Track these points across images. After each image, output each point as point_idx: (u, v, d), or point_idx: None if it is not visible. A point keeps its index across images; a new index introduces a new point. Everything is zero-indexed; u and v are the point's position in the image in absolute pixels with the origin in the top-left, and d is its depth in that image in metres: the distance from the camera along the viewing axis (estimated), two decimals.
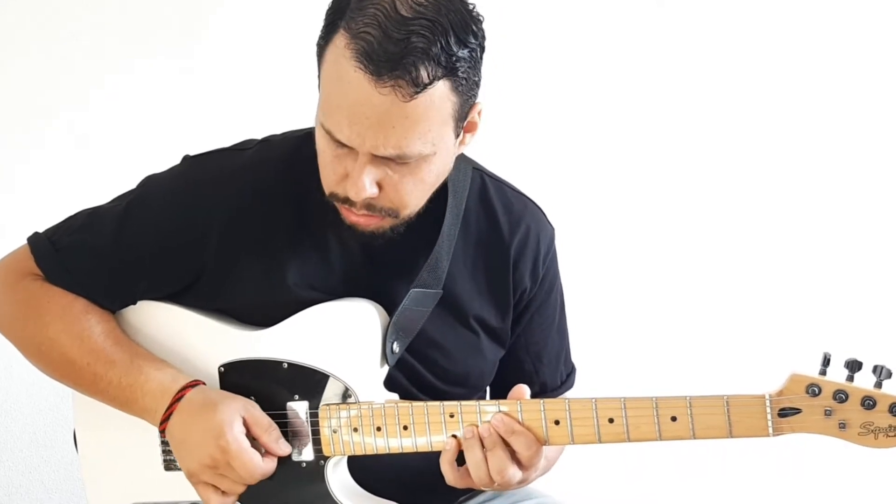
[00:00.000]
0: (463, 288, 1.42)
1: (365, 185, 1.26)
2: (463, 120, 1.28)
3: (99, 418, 1.44)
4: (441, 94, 1.22)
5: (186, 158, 1.45)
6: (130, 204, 1.43)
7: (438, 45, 1.20)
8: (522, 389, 1.34)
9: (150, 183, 1.45)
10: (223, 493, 1.35)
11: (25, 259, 1.44)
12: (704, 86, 2.28)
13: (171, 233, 1.39)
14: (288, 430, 1.37)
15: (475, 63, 1.25)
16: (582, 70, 2.27)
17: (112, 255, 1.41)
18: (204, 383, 1.38)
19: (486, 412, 1.33)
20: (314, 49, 1.28)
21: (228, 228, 1.38)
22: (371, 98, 1.21)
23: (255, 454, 1.33)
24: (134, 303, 1.45)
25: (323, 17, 1.27)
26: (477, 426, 1.31)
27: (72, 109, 2.16)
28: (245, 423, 1.34)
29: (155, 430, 1.41)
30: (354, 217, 1.31)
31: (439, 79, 1.21)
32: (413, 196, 1.30)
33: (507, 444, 1.31)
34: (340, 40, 1.22)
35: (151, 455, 1.42)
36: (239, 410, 1.34)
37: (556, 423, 1.31)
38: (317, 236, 1.39)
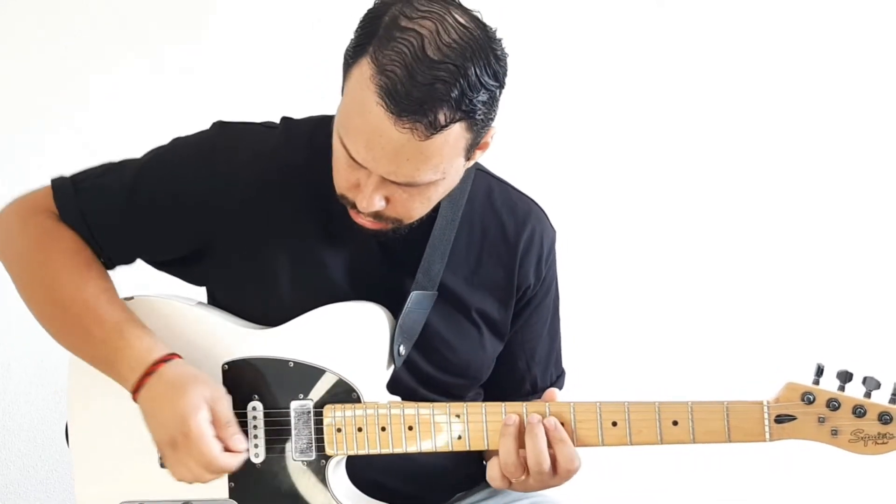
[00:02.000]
0: (465, 284, 1.45)
1: (374, 201, 1.30)
2: (475, 146, 1.32)
3: (93, 413, 1.44)
4: (456, 133, 1.26)
5: (216, 124, 1.46)
6: (154, 158, 1.45)
7: (458, 91, 1.23)
8: (554, 393, 1.38)
9: (178, 143, 1.47)
10: (181, 479, 1.35)
11: (45, 197, 1.46)
12: (704, 86, 2.28)
13: (188, 192, 1.41)
14: (290, 429, 1.39)
15: (493, 103, 1.28)
16: (582, 70, 2.27)
17: (126, 202, 1.43)
18: (180, 357, 1.38)
19: (492, 413, 1.36)
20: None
21: (244, 208, 1.40)
22: (389, 132, 1.24)
23: (216, 444, 1.33)
24: (132, 260, 1.46)
25: (355, 28, 1.29)
26: (521, 416, 1.34)
27: (72, 109, 2.17)
28: (210, 410, 1.34)
29: None
30: (360, 220, 1.35)
31: (456, 122, 1.25)
32: (418, 211, 1.35)
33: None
34: (366, 69, 1.25)
35: (147, 451, 1.41)
36: (206, 398, 1.34)
37: (561, 425, 1.33)
38: (333, 228, 1.42)
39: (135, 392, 1.36)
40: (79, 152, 2.15)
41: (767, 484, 2.32)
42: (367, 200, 1.30)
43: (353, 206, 1.33)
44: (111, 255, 1.46)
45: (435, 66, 1.22)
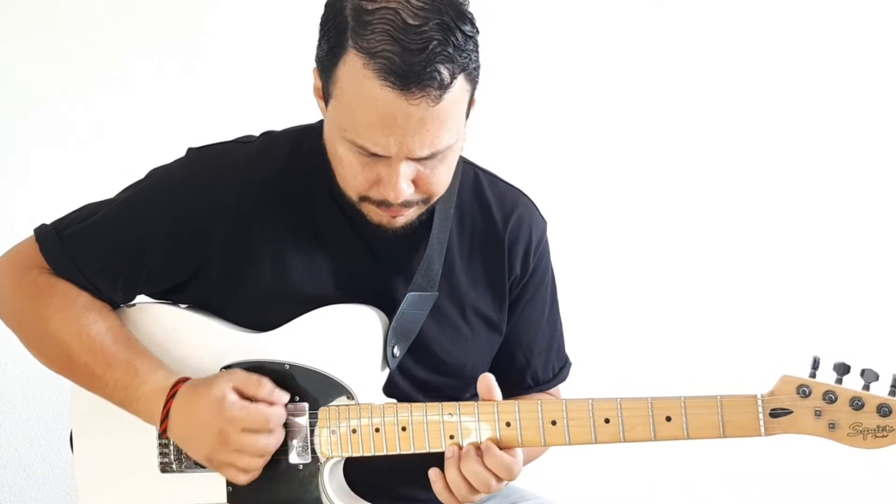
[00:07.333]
0: (460, 281, 1.45)
1: (403, 187, 1.30)
2: (471, 100, 1.33)
3: (97, 423, 1.44)
4: (460, 87, 1.27)
5: (191, 151, 1.46)
6: (136, 194, 1.45)
7: (452, 45, 1.24)
8: (491, 385, 1.36)
9: (156, 174, 1.46)
10: (245, 470, 1.36)
11: (31, 251, 1.45)
12: (703, 85, 2.29)
13: (175, 222, 1.41)
14: (287, 432, 1.38)
15: (476, 47, 1.30)
16: (581, 69, 2.28)
17: (115, 245, 1.42)
18: (189, 378, 1.39)
19: (484, 413, 1.35)
20: (313, 46, 1.30)
21: (234, 222, 1.40)
22: (403, 110, 1.24)
23: (262, 405, 1.35)
24: (133, 297, 1.46)
25: (318, 33, 1.29)
26: (460, 447, 1.34)
27: (72, 109, 2.17)
28: (236, 391, 1.36)
29: (151, 433, 1.42)
30: (387, 216, 1.34)
31: (458, 75, 1.26)
32: (443, 183, 1.35)
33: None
34: (356, 61, 1.25)
35: (147, 457, 1.43)
36: (226, 382, 1.36)
37: (553, 423, 1.33)
38: (320, 232, 1.41)
39: (163, 422, 1.37)
40: (79, 151, 2.18)
41: (765, 482, 2.31)
42: (397, 190, 1.30)
43: (381, 203, 1.32)
44: (112, 296, 1.45)
45: (420, 31, 1.23)
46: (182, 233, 1.40)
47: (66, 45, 2.15)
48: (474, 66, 1.29)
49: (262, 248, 1.40)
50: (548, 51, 2.27)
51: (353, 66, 1.25)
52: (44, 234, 1.45)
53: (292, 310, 1.40)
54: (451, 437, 1.35)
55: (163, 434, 1.39)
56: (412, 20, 1.23)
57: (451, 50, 1.24)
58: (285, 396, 1.37)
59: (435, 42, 1.23)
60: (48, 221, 1.47)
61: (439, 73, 1.23)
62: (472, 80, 1.30)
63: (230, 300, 1.43)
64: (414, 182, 1.31)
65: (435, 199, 1.36)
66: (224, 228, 1.40)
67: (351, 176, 1.33)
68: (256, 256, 1.40)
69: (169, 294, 1.46)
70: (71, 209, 1.48)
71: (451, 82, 1.25)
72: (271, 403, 1.35)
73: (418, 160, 1.29)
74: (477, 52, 1.29)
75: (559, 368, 1.56)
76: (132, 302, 1.47)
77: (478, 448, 1.33)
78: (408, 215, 1.35)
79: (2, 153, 2.15)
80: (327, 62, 1.28)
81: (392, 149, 1.27)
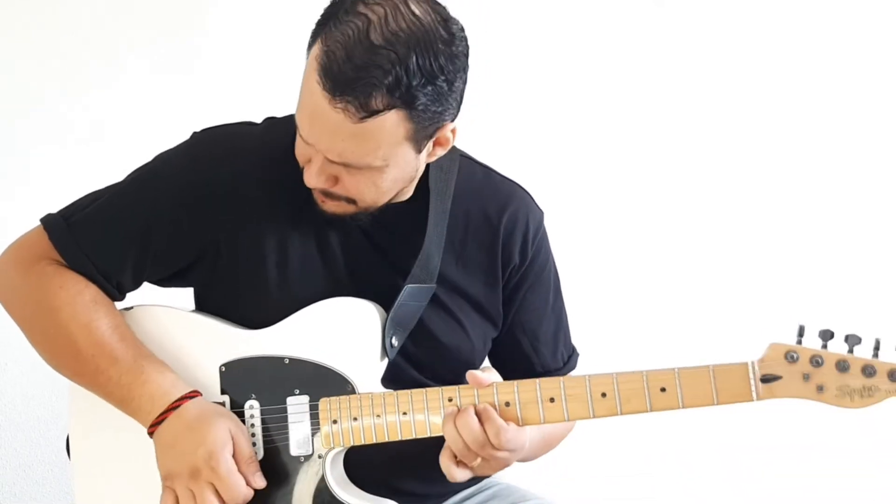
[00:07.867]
0: (452, 269, 1.47)
1: (317, 178, 1.34)
2: (427, 139, 1.34)
3: (95, 423, 1.45)
4: (393, 121, 1.28)
5: (195, 133, 1.47)
6: (141, 177, 1.46)
7: (393, 78, 1.25)
8: (480, 380, 1.37)
9: (160, 158, 1.47)
10: None
11: (37, 241, 1.45)
12: (702, 84, 2.31)
13: (176, 207, 1.42)
14: (287, 424, 1.40)
15: (440, 97, 1.29)
16: (581, 68, 2.29)
17: (123, 228, 1.43)
18: (201, 394, 1.40)
19: (484, 396, 1.36)
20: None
21: (235, 207, 1.41)
22: (326, 111, 1.27)
23: (241, 480, 1.36)
24: (141, 282, 1.47)
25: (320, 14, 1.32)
26: (458, 407, 1.36)
27: (72, 109, 2.17)
28: (233, 444, 1.37)
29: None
30: (318, 198, 1.39)
31: (392, 108, 1.27)
32: (367, 193, 1.37)
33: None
34: (316, 48, 1.29)
35: (145, 457, 1.41)
36: (232, 431, 1.37)
37: (552, 400, 1.35)
38: (318, 221, 1.43)
39: (154, 425, 1.38)
40: (77, 151, 2.18)
41: (765, 484, 2.34)
42: (311, 177, 1.34)
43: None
44: (119, 280, 1.45)
45: (374, 51, 1.25)
46: (182, 218, 1.41)
47: (65, 45, 2.15)
48: (422, 109, 1.27)
49: (262, 236, 1.42)
50: (548, 50, 2.27)
51: (314, 51, 1.29)
52: (52, 223, 1.45)
53: (290, 301, 1.41)
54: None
55: (150, 434, 1.39)
56: (375, 38, 1.25)
57: (390, 81, 1.24)
58: (262, 483, 1.38)
59: (377, 68, 1.24)
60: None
61: (366, 95, 1.25)
62: (417, 122, 1.29)
63: (229, 291, 1.44)
64: (337, 179, 1.34)
65: (364, 205, 1.38)
66: (225, 214, 1.41)
67: (298, 148, 1.37)
68: (256, 244, 1.42)
69: (175, 280, 1.47)
70: None
71: (379, 112, 1.26)
72: (248, 482, 1.37)
73: (334, 162, 1.32)
74: (438, 99, 1.28)
75: (567, 357, 1.57)
76: (132, 306, 1.48)
77: (476, 410, 1.35)
78: (335, 206, 1.38)
79: (2, 153, 2.15)
80: (311, 39, 1.31)
81: (312, 140, 1.31)
